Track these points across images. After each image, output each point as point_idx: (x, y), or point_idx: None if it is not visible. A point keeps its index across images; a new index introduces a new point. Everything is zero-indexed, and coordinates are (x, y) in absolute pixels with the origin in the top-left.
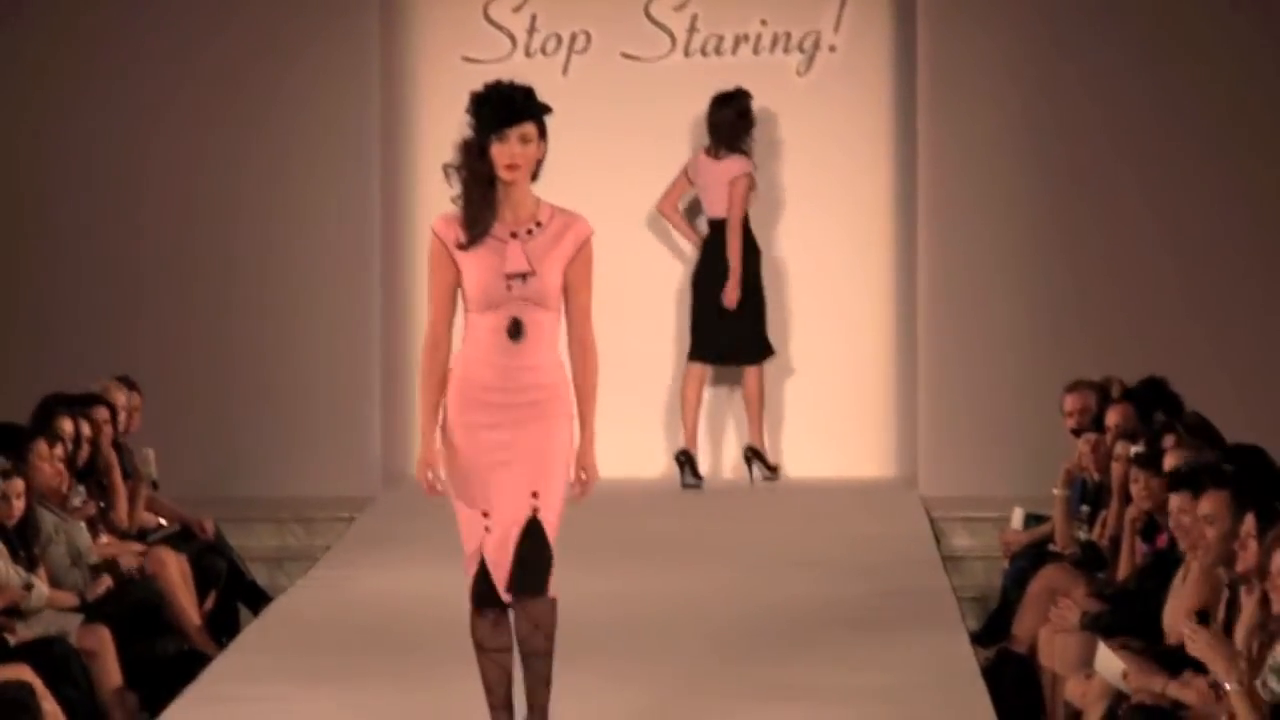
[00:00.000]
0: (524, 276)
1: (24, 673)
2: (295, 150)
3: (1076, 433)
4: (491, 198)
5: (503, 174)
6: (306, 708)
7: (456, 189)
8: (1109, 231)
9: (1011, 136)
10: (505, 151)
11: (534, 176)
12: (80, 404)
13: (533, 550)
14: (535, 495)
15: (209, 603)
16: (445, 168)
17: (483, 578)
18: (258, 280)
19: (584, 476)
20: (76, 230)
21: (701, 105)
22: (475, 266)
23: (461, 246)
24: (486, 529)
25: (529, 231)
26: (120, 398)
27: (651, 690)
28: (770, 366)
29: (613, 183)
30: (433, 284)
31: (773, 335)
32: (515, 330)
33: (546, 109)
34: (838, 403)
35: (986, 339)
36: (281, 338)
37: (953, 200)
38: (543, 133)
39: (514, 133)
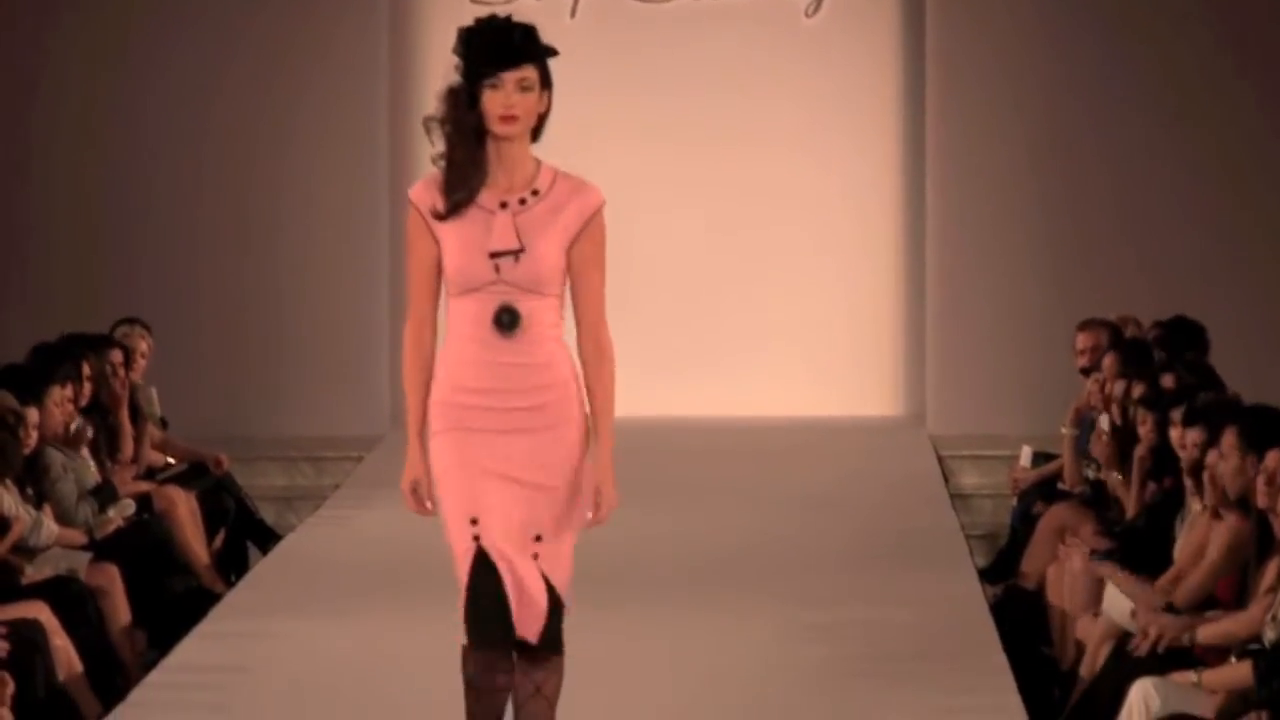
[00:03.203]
0: (514, 255)
1: (40, 611)
2: (305, 95)
3: (1086, 371)
4: (480, 157)
5: (496, 127)
6: (315, 645)
7: (439, 146)
8: (1119, 169)
9: (1020, 78)
10: (499, 100)
11: (535, 136)
12: (91, 345)
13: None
14: (538, 539)
15: (218, 541)
16: (426, 121)
17: (478, 602)
18: (267, 221)
19: (599, 503)
20: (88, 172)
21: (712, 48)
22: (455, 241)
23: (440, 216)
24: (475, 538)
25: (522, 201)
26: (142, 344)
27: (658, 628)
28: (781, 306)
29: (621, 135)
30: (410, 263)
31: (781, 276)
32: (506, 320)
33: (551, 51)
34: (846, 342)
35: (995, 277)
36: (291, 278)
37: (961, 140)
38: (546, 81)
39: (511, 77)
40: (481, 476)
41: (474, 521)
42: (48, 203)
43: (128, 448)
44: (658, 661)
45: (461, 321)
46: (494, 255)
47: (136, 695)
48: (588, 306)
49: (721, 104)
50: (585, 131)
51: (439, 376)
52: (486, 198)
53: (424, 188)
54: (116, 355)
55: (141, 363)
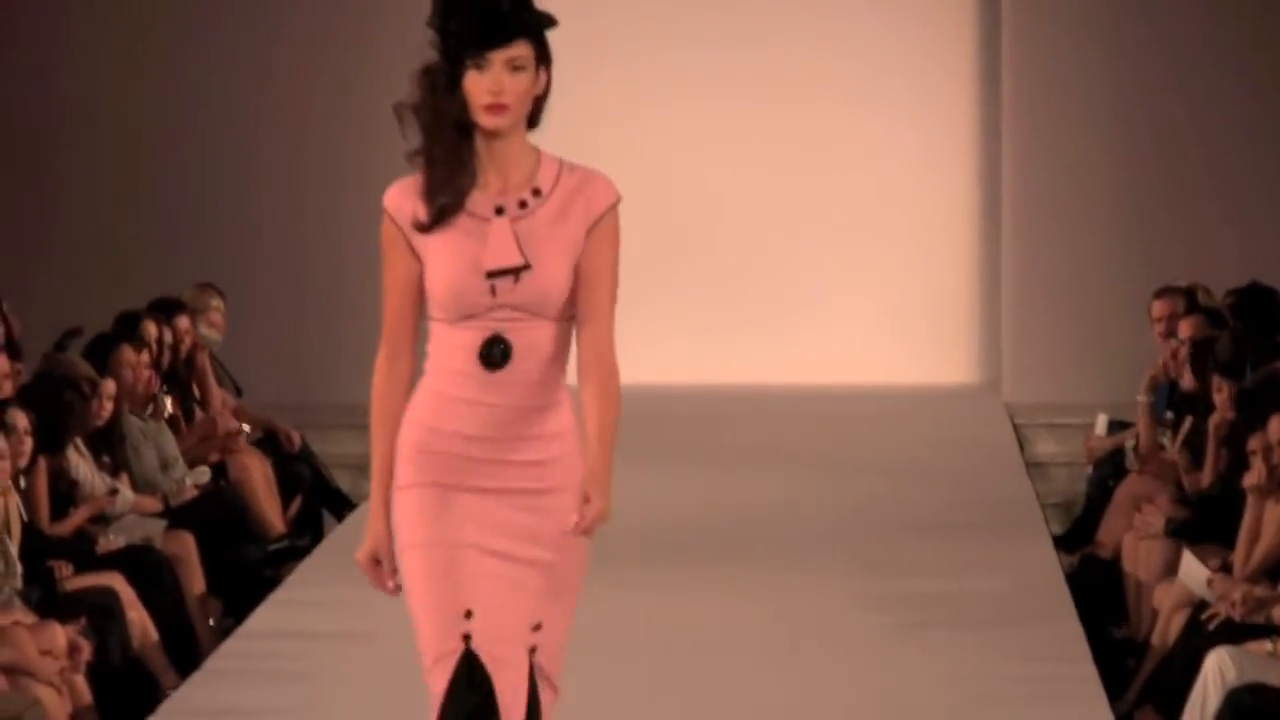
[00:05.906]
0: (515, 273)
1: (115, 580)
2: (367, 54)
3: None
4: (465, 152)
5: (481, 117)
6: (389, 612)
7: (415, 140)
8: (1199, 134)
9: (1100, 34)
10: (485, 84)
11: (532, 122)
12: (165, 309)
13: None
14: (538, 629)
15: (293, 508)
16: (397, 108)
17: (459, 701)
18: (336, 186)
19: (584, 511)
20: (153, 137)
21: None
22: (443, 257)
23: (423, 227)
24: (466, 635)
25: (522, 204)
26: (214, 308)
27: (734, 597)
28: (854, 272)
29: (689, 91)
30: (386, 284)
31: (856, 241)
32: (494, 354)
33: (549, 21)
34: (921, 308)
35: (1071, 243)
36: (364, 242)
37: (1038, 102)
38: (544, 57)
39: (499, 57)
40: (471, 556)
41: (468, 615)
42: (115, 170)
43: (214, 408)
44: (731, 626)
45: (446, 352)
46: (493, 275)
47: (212, 664)
48: (593, 319)
49: (791, 57)
50: (651, 88)
51: (418, 417)
52: (478, 202)
53: (401, 193)
54: (184, 322)
55: (219, 324)
